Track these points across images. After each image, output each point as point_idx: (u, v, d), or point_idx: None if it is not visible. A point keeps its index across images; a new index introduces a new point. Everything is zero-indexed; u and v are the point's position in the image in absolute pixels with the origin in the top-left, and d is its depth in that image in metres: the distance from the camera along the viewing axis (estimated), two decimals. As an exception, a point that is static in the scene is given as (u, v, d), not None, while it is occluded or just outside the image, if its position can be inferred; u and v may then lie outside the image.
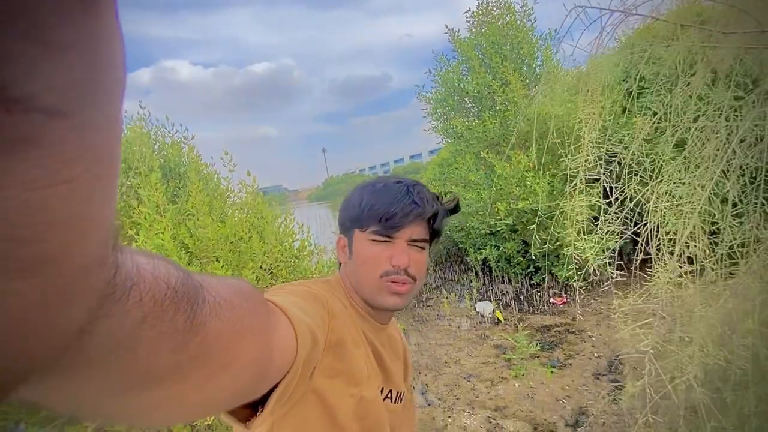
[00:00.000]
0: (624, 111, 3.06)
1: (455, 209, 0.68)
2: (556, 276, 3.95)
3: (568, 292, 4.03)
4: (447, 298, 4.42)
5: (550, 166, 3.71)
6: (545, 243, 2.71)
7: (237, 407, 0.37)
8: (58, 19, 0.12)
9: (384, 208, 0.60)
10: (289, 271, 3.12)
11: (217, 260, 2.31)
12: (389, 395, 0.64)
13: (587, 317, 3.50)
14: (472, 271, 5.16)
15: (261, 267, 2.55)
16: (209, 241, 2.30)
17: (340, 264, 0.69)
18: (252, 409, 0.39)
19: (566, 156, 1.96)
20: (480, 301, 4.29)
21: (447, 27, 4.34)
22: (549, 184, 3.64)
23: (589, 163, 1.22)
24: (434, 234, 0.65)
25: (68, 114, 0.12)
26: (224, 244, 2.36)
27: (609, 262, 1.30)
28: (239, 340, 0.26)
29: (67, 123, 0.12)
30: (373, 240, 0.61)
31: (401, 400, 0.66)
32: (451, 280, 5.45)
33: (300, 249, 3.41)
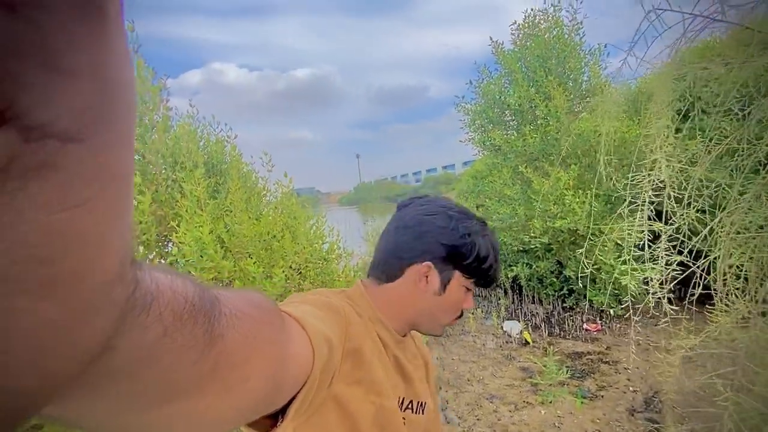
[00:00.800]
0: (676, 132, 2.90)
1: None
2: (592, 301, 3.76)
3: (604, 319, 3.82)
4: (473, 313, 4.30)
5: (591, 185, 3.55)
6: (582, 264, 2.59)
7: (257, 419, 0.37)
8: (69, 46, 0.12)
9: (494, 269, 0.66)
10: (317, 273, 3.15)
11: (249, 256, 2.37)
12: (410, 405, 0.62)
13: (623, 348, 3.29)
14: (501, 288, 5.02)
15: (291, 267, 2.59)
16: (244, 237, 2.35)
17: (385, 277, 0.64)
18: (272, 419, 0.38)
19: (614, 175, 1.86)
20: (508, 320, 4.15)
21: (491, 39, 4.29)
22: (589, 203, 3.49)
23: (653, 184, 1.14)
24: None
25: (83, 138, 0.13)
26: (258, 241, 2.41)
27: (665, 296, 1.19)
28: (257, 352, 0.26)
29: (82, 146, 0.13)
30: (467, 288, 0.65)
31: (423, 410, 0.64)
32: (478, 295, 5.32)
33: (329, 252, 3.44)
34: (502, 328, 3.93)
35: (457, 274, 0.63)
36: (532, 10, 4.28)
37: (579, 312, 4.05)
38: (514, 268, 4.36)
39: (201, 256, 2.04)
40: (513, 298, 4.81)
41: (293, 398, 0.37)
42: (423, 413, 0.64)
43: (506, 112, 4.37)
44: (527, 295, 4.61)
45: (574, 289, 4.08)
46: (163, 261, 2.29)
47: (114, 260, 0.16)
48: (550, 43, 4.12)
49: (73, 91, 0.12)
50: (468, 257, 0.62)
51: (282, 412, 0.37)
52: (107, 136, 0.14)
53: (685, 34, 1.01)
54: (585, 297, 3.92)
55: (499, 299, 4.64)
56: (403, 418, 0.59)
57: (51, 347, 0.14)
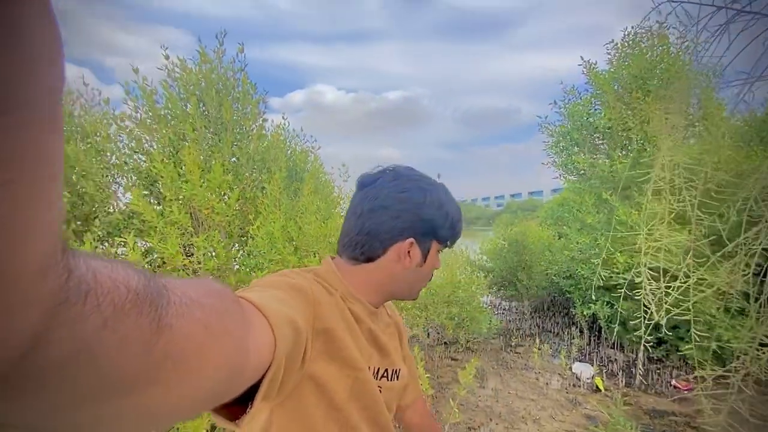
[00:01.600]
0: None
1: None
2: (685, 356, 3.23)
3: (699, 377, 3.24)
4: (540, 349, 3.98)
5: (693, 221, 3.10)
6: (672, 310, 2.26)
7: (225, 406, 0.37)
8: None
9: (458, 227, 0.68)
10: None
11: (314, 255, 2.53)
12: (385, 374, 0.65)
13: (718, 415, 2.75)
14: (576, 326, 4.56)
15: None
16: (311, 237, 2.53)
17: (363, 258, 0.64)
18: (242, 404, 0.38)
19: (722, 211, 1.63)
20: (579, 361, 3.75)
21: (582, 58, 4.05)
22: (691, 241, 3.04)
23: None
24: None
25: None
26: (323, 242, 2.57)
27: None
28: (210, 340, 0.25)
29: None
30: (439, 251, 0.68)
31: (397, 377, 0.67)
32: (549, 331, 4.90)
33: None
34: (571, 369, 3.57)
35: (434, 243, 0.66)
36: (632, 27, 3.96)
37: (668, 365, 3.50)
38: (593, 305, 3.94)
39: (270, 249, 2.24)
40: (589, 339, 4.34)
41: (260, 384, 0.37)
42: (398, 379, 0.67)
43: (594, 135, 4.05)
44: (607, 338, 4.12)
45: (665, 338, 3.54)
46: (242, 251, 2.57)
47: (41, 248, 0.15)
48: (651, 62, 3.76)
49: None
50: (443, 226, 0.65)
51: (253, 397, 0.37)
52: (26, 113, 0.13)
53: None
54: (677, 350, 3.39)
55: (573, 338, 4.22)
56: (379, 387, 0.61)
57: None
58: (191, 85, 2.70)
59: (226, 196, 2.41)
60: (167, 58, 2.63)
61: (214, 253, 2.12)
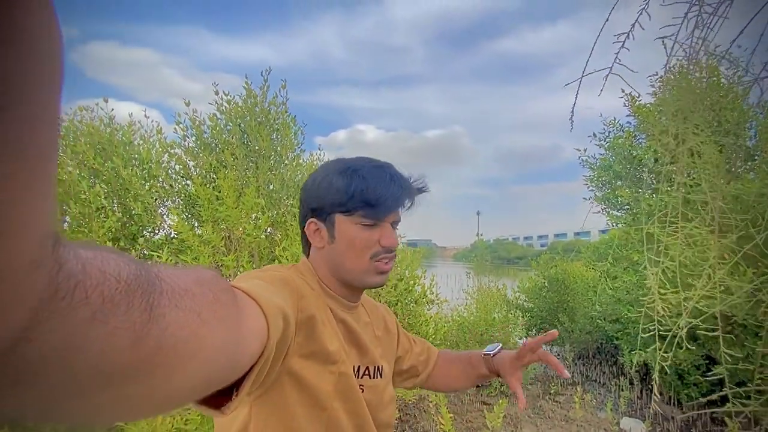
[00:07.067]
0: None
1: (422, 189, 0.71)
2: (758, 419, 2.79)
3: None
4: (582, 399, 3.61)
5: (754, 259, 2.79)
6: (739, 364, 2.00)
7: (209, 395, 0.37)
8: None
9: (375, 194, 0.63)
10: (406, 313, 3.17)
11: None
12: (367, 372, 0.63)
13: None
14: (625, 376, 4.13)
15: (381, 302, 2.67)
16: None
17: (309, 250, 0.69)
18: (225, 395, 0.38)
19: None
20: (629, 416, 3.36)
21: (623, 91, 3.94)
22: (751, 282, 2.72)
23: None
24: None
25: None
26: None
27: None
28: (204, 329, 0.25)
29: None
30: (362, 224, 0.64)
31: (380, 374, 0.66)
32: (594, 380, 4.47)
33: (421, 295, 3.44)
34: (618, 424, 3.20)
35: (337, 216, 0.64)
36: (678, 59, 3.83)
37: (737, 427, 3.03)
38: (642, 353, 3.56)
39: (295, 271, 2.29)
40: (641, 392, 3.89)
41: (248, 372, 0.37)
42: (381, 377, 0.66)
43: (639, 169, 3.85)
44: (661, 392, 3.68)
45: (730, 396, 3.10)
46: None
47: (31, 243, 0.15)
48: (701, 94, 3.58)
49: None
50: (329, 196, 0.64)
51: (236, 386, 0.37)
52: (24, 108, 0.13)
53: None
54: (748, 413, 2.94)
55: (621, 389, 3.81)
56: (361, 386, 0.59)
57: None
58: (236, 117, 2.93)
59: (259, 220, 2.52)
60: (216, 93, 2.90)
61: (241, 272, 2.19)
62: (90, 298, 0.18)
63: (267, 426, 0.52)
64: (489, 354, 0.90)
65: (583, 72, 1.24)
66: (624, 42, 1.20)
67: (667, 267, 3.43)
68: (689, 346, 3.45)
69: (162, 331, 0.22)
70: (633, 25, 1.17)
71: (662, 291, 3.33)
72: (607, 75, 1.29)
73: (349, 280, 0.66)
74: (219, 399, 0.38)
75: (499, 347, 0.92)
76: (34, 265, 0.15)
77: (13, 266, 0.14)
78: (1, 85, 0.12)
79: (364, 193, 0.63)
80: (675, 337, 3.26)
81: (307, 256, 0.70)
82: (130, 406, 0.24)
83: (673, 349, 3.44)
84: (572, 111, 1.46)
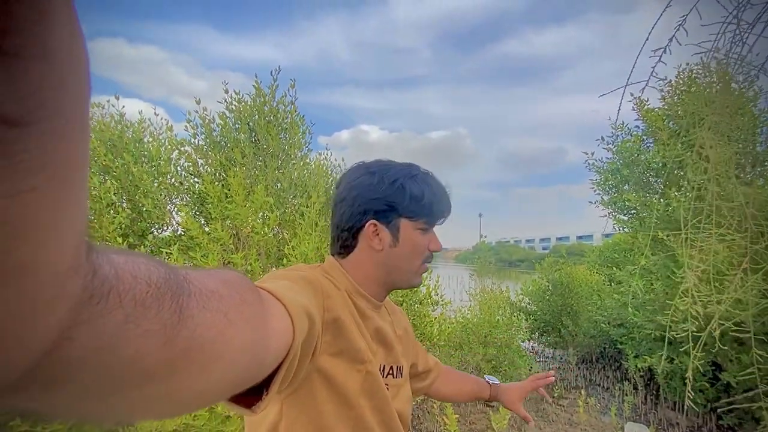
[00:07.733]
0: None
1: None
2: (761, 422, 2.77)
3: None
4: (586, 403, 3.60)
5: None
6: (748, 371, 1.99)
7: (239, 394, 0.37)
8: (12, 26, 0.12)
9: (441, 203, 0.67)
10: (411, 314, 3.16)
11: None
12: (391, 371, 0.64)
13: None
14: (629, 381, 4.11)
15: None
16: (344, 262, 2.55)
17: (345, 250, 0.67)
18: (255, 394, 0.39)
19: None
20: (633, 421, 3.34)
21: (631, 95, 3.93)
22: (762, 290, 2.71)
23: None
24: None
25: (30, 123, 0.12)
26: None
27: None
28: (230, 329, 0.26)
29: (29, 132, 0.12)
30: (422, 229, 0.66)
31: (401, 373, 0.67)
32: (599, 384, 4.45)
33: (425, 295, 3.43)
34: (623, 429, 3.18)
35: (403, 220, 0.65)
36: (687, 64, 3.81)
37: (744, 436, 3.02)
38: (649, 358, 3.54)
39: (304, 270, 2.29)
40: (645, 397, 3.88)
41: (276, 372, 0.37)
42: (401, 376, 0.68)
43: (647, 173, 3.83)
44: (666, 397, 3.66)
45: (738, 404, 3.08)
46: (276, 269, 2.64)
47: (67, 250, 0.15)
48: (709, 98, 3.56)
49: (19, 74, 0.12)
50: (403, 201, 0.64)
51: (266, 385, 0.38)
52: (56, 121, 0.13)
53: None
54: (755, 419, 2.92)
55: (626, 394, 3.79)
56: (386, 384, 0.59)
57: (3, 338, 0.14)
58: (245, 115, 2.93)
59: (267, 218, 2.52)
60: (226, 92, 2.90)
61: (249, 270, 2.19)
62: (123, 301, 0.19)
63: (296, 423, 0.52)
64: (496, 384, 1.01)
65: (627, 80, 1.25)
66: (660, 57, 1.21)
67: (703, 270, 3.41)
68: (695, 353, 3.43)
69: (191, 332, 0.22)
70: (671, 40, 1.17)
71: (697, 293, 3.31)
72: (644, 88, 1.30)
73: (397, 282, 0.67)
74: (249, 398, 0.38)
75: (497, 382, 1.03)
76: (70, 272, 0.16)
77: (50, 273, 0.15)
78: (33, 99, 0.12)
79: (435, 201, 0.67)
80: (710, 337, 3.25)
81: (343, 256, 0.67)
82: (159, 405, 0.24)
83: (697, 350, 3.42)
84: (617, 116, 1.47)
